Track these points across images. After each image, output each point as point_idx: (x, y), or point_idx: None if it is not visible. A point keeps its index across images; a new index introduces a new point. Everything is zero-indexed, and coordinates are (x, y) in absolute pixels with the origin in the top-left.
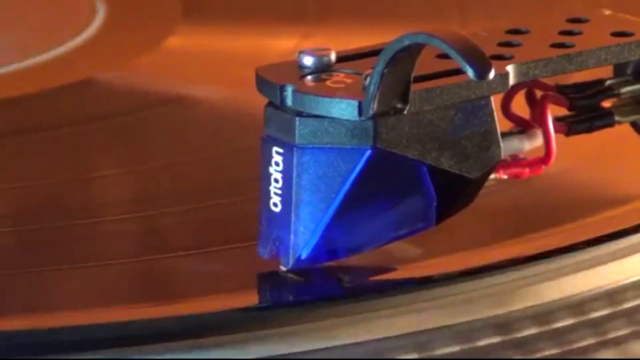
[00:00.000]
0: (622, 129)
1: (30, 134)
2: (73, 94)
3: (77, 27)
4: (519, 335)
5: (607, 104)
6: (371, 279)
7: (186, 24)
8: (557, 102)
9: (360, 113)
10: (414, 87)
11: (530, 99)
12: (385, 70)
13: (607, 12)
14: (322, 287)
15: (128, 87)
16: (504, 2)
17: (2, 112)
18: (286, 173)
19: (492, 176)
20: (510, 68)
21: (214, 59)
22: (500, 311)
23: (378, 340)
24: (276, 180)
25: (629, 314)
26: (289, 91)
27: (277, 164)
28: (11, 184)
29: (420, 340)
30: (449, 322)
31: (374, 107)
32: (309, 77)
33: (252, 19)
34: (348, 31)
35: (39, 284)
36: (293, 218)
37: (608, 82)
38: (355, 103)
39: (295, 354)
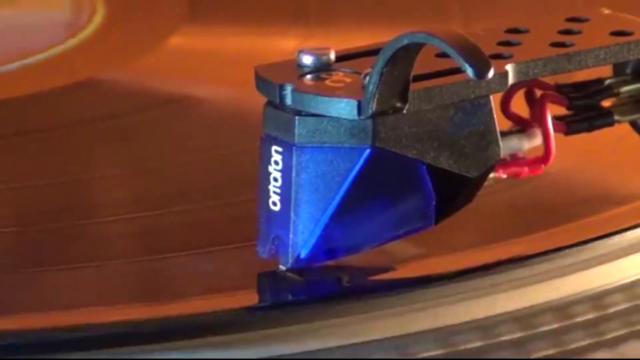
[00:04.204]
0: (622, 129)
1: (30, 134)
2: (73, 94)
3: (77, 27)
4: (518, 335)
5: (606, 103)
6: (370, 278)
7: (188, 24)
8: (556, 102)
9: (359, 112)
10: (413, 87)
11: (530, 98)
12: (385, 70)
13: (607, 11)
14: (322, 286)
15: (129, 87)
16: (504, 1)
17: (2, 112)
18: (285, 172)
19: (491, 175)
20: (509, 67)
21: (215, 59)
22: (500, 311)
23: (378, 340)
24: (275, 180)
25: (629, 314)
26: (288, 90)
27: (276, 162)
28: (11, 184)
29: (420, 339)
30: (449, 322)
31: (373, 106)
32: (308, 76)
33: (255, 19)
34: (349, 32)
35: (39, 284)
36: (292, 217)
37: (607, 82)
38: (354, 102)
39: (295, 354)
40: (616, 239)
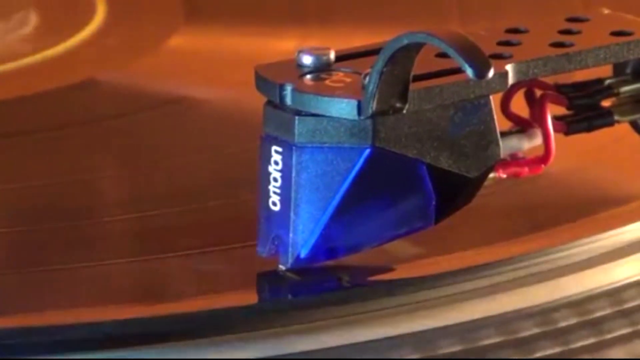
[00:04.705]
0: (622, 129)
1: (30, 134)
2: (73, 94)
3: (77, 27)
4: (519, 335)
5: (606, 103)
6: (370, 278)
7: (187, 25)
8: (556, 102)
9: (359, 112)
10: (413, 86)
11: (530, 98)
12: (385, 70)
13: (607, 11)
14: (322, 286)
15: (129, 88)
16: (504, 1)
17: (2, 112)
18: (285, 172)
19: (491, 175)
20: (509, 67)
21: (215, 60)
22: (500, 311)
23: (378, 340)
24: (275, 180)
25: (629, 314)
26: (288, 90)
27: (276, 162)
28: (11, 184)
29: (420, 339)
30: (449, 321)
31: (373, 106)
32: (308, 76)
33: (253, 20)
34: (348, 32)
35: (38, 284)
36: (292, 217)
37: (607, 82)
38: (354, 102)
39: (295, 354)
40: (616, 238)
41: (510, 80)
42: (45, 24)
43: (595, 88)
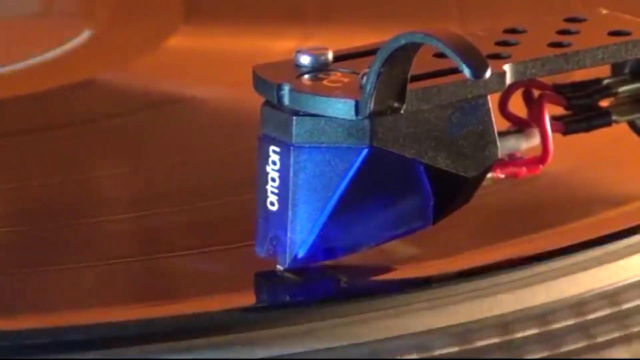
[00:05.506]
0: (621, 129)
1: (30, 133)
2: (73, 94)
3: (77, 27)
4: (518, 335)
5: (604, 103)
6: (369, 278)
7: (187, 24)
8: (554, 102)
9: (357, 112)
10: (411, 87)
11: (528, 98)
12: (382, 70)
13: (605, 11)
14: (320, 286)
15: (128, 88)
16: (503, 2)
17: (2, 111)
18: (283, 172)
19: (489, 175)
20: (507, 67)
21: (214, 60)
22: (499, 312)
23: (377, 340)
24: (273, 180)
25: (629, 315)
26: (286, 90)
27: (274, 162)
28: (11, 184)
29: (420, 340)
30: (448, 322)
31: (370, 106)
32: (306, 76)
33: (253, 19)
34: (348, 32)
35: (39, 284)
36: (290, 217)
37: (605, 82)
38: (352, 102)
39: (294, 354)
40: (615, 240)
41: (508, 80)
42: (46, 23)
43: (594, 88)
